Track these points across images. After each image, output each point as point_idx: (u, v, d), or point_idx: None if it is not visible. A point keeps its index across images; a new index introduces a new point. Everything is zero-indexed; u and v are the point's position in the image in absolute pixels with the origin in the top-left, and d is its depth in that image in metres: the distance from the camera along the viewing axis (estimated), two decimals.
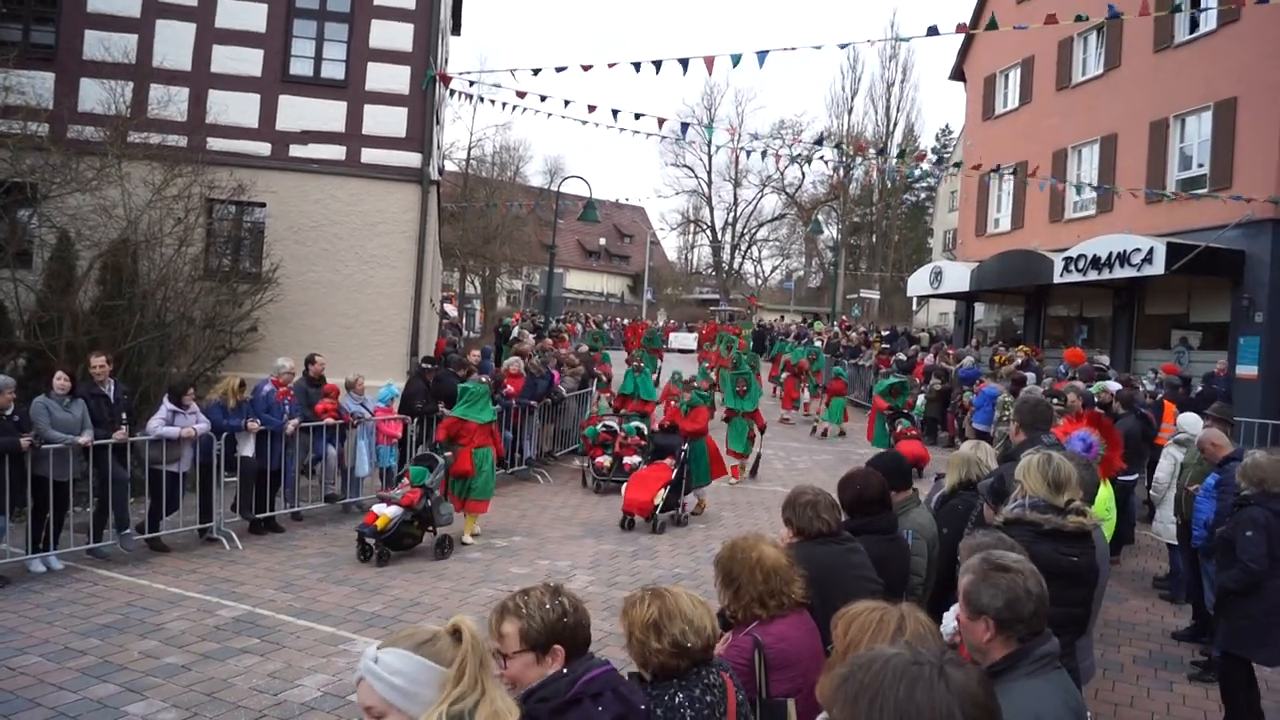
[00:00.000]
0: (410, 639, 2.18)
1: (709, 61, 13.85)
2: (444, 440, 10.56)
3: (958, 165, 24.66)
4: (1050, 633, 2.83)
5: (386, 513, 9.49)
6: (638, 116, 15.89)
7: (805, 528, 4.11)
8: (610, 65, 14.61)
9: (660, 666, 2.91)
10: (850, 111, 59.62)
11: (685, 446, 11.98)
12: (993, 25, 15.53)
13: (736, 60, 13.66)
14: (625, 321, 44.14)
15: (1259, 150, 18.26)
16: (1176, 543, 8.81)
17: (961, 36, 28.82)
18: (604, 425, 14.27)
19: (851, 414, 21.00)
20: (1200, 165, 19.93)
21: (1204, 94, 19.61)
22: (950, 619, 3.56)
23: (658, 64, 14.18)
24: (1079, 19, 13.11)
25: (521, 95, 15.76)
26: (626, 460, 13.44)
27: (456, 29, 24.86)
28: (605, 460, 13.68)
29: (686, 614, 2.91)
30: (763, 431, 15.42)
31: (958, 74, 29.90)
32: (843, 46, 13.55)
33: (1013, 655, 2.73)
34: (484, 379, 11.67)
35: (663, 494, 11.30)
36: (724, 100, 67.73)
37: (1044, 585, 2.81)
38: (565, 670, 2.67)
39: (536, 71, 15.03)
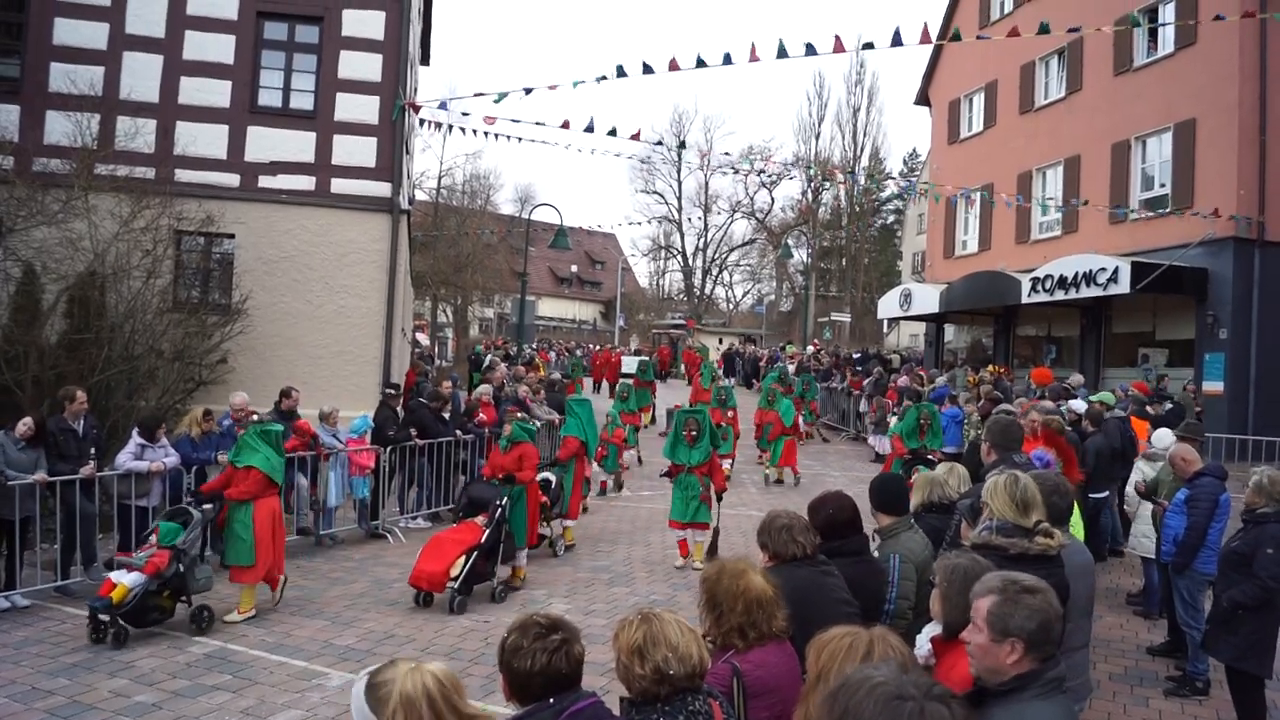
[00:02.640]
0: (369, 677, 2.22)
1: (673, 65, 13.92)
2: (218, 489, 8.78)
3: (926, 190, 24.87)
4: (1059, 657, 2.83)
5: (124, 581, 7.64)
6: (612, 133, 15.87)
7: (780, 551, 4.11)
8: (576, 84, 14.66)
9: (642, 692, 2.88)
10: (818, 137, 60.24)
11: (504, 501, 9.45)
12: (956, 37, 15.76)
13: (700, 63, 13.70)
14: (595, 347, 43.57)
15: (1218, 170, 18.63)
16: (1153, 557, 8.87)
17: (927, 62, 29.30)
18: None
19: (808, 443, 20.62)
20: (1162, 185, 20.30)
21: (1164, 115, 20.00)
22: (924, 641, 3.57)
23: (621, 69, 14.18)
24: (1042, 29, 13.29)
25: (491, 121, 15.78)
26: None
27: (425, 59, 24.93)
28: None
29: (672, 641, 2.88)
30: (720, 497, 11.13)
31: (923, 99, 30.32)
32: (809, 54, 13.58)
33: (1023, 676, 2.72)
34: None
35: (463, 562, 8.84)
36: (693, 127, 68.07)
37: (1060, 605, 2.82)
38: (552, 700, 2.66)
39: (502, 97, 14.98)
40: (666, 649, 2.86)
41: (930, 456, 13.04)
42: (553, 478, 11.63)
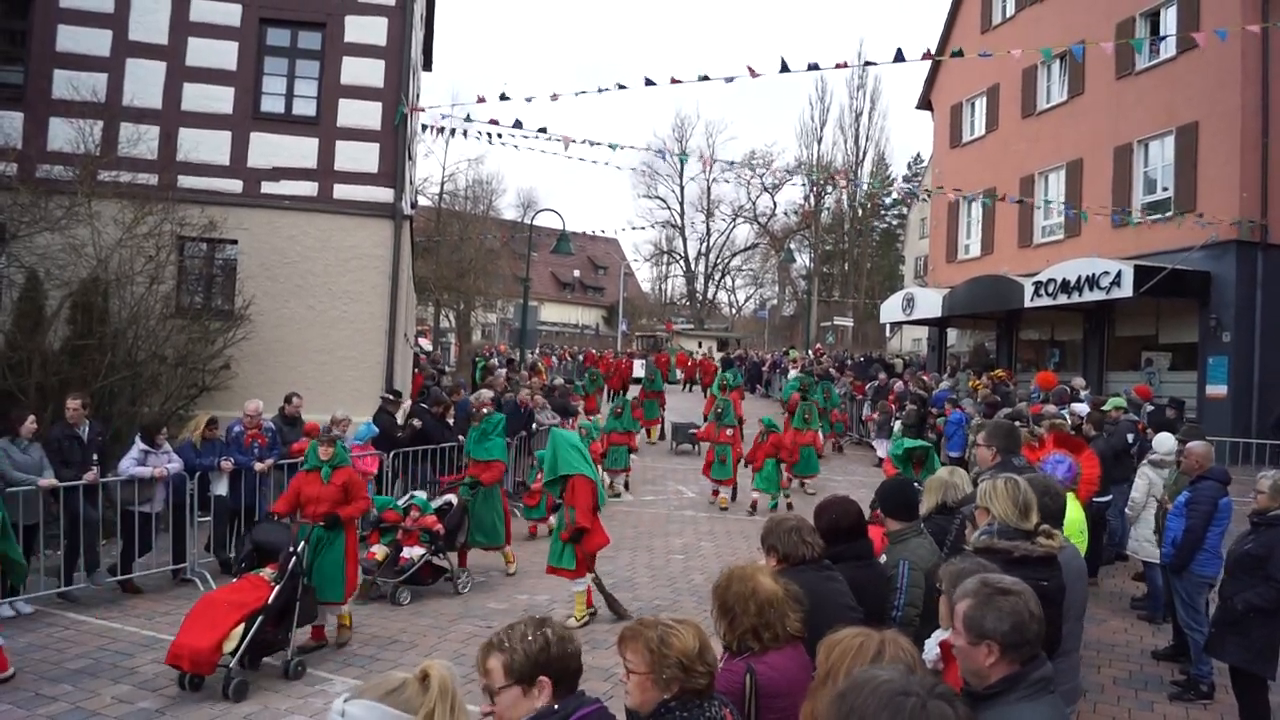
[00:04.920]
0: (377, 689, 2.16)
1: (674, 82, 13.94)
2: None
3: (929, 192, 24.89)
4: (1045, 657, 2.84)
5: None
6: (613, 147, 15.92)
7: (791, 553, 4.10)
8: (578, 94, 14.73)
9: (692, 690, 2.93)
10: (820, 141, 60.26)
11: (299, 548, 7.44)
12: (958, 53, 15.77)
13: (703, 78, 13.72)
14: (597, 352, 42.89)
15: (1221, 173, 18.63)
16: (1156, 561, 8.85)
17: (928, 67, 29.29)
18: (411, 499, 10.43)
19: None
20: (1164, 189, 20.30)
21: (1166, 119, 20.00)
22: (933, 645, 3.56)
23: (620, 85, 14.27)
24: (1045, 57, 13.31)
25: (494, 123, 15.77)
26: (405, 552, 9.66)
27: (428, 65, 24.97)
28: (378, 551, 9.65)
29: (705, 639, 3.01)
30: (579, 536, 8.67)
31: (925, 103, 30.34)
32: (811, 69, 13.61)
33: (1009, 678, 2.73)
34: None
35: (242, 632, 6.74)
36: (695, 132, 68.21)
37: (1040, 606, 2.83)
38: (556, 707, 2.66)
39: (504, 98, 15.01)
40: (711, 648, 3.00)
41: (917, 484, 12.22)
42: (455, 499, 10.34)
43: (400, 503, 10.27)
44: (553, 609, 9.19)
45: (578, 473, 8.84)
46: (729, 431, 15.19)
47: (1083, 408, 13.37)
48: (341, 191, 15.41)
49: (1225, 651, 6.24)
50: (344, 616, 8.14)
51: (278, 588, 7.06)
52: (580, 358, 38.82)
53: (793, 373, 28.72)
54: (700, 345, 46.48)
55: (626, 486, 16.14)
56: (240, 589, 7.13)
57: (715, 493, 15.28)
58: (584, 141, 15.67)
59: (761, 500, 14.56)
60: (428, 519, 9.89)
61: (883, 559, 4.94)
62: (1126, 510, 9.46)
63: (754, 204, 63.69)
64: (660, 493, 16.29)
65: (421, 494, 10.57)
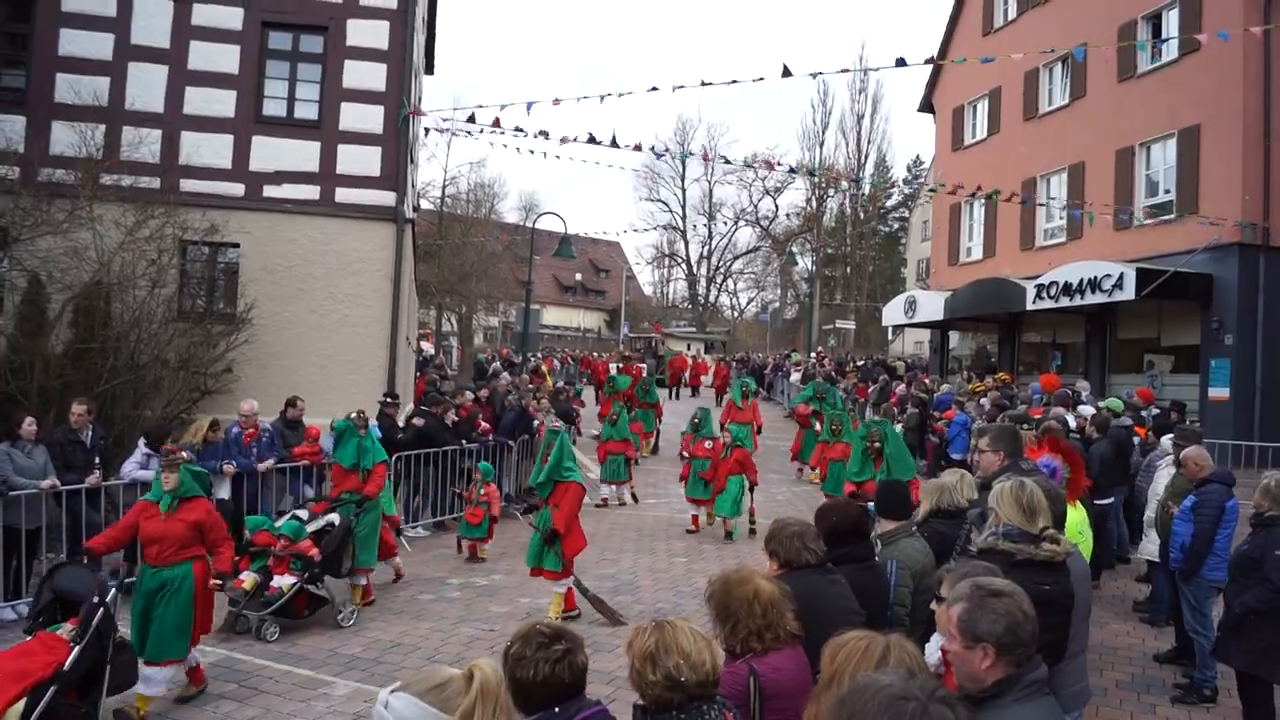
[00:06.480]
0: (421, 684, 2.16)
1: (676, 89, 13.98)
2: None
3: (932, 190, 24.88)
4: (1039, 659, 2.85)
5: None
6: (615, 144, 15.91)
7: (793, 559, 4.12)
8: (580, 99, 14.76)
9: (655, 699, 2.88)
10: (822, 144, 60.20)
11: (108, 596, 5.87)
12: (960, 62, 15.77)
13: (705, 83, 13.77)
14: (595, 355, 42.47)
15: (1223, 175, 18.63)
16: (1158, 561, 8.80)
17: (929, 69, 29.29)
18: (291, 517, 9.20)
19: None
20: (1167, 191, 20.29)
21: (1168, 122, 19.99)
22: (934, 649, 3.56)
23: (623, 93, 14.33)
24: (1051, 53, 13.32)
25: (496, 124, 15.77)
26: (275, 581, 8.46)
27: (430, 69, 24.99)
28: (246, 579, 8.31)
29: (684, 648, 2.88)
30: (554, 538, 8.95)
31: (927, 106, 30.34)
32: (813, 76, 13.66)
33: (1004, 681, 2.73)
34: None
35: (24, 708, 5.23)
36: (697, 134, 67.89)
37: (1033, 607, 2.84)
38: (558, 709, 2.66)
39: (504, 106, 15.08)
40: (678, 656, 2.86)
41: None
42: (336, 519, 9.17)
43: (278, 524, 9.02)
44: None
45: (574, 480, 9.17)
46: (708, 444, 13.52)
47: (1088, 409, 13.35)
48: (343, 195, 15.40)
49: (1230, 656, 6.23)
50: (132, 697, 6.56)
51: (77, 649, 5.56)
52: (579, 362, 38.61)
53: (794, 376, 28.68)
54: (689, 348, 46.19)
55: (634, 499, 15.52)
56: (28, 651, 5.60)
57: (695, 519, 13.61)
58: (587, 140, 15.64)
59: (726, 524, 13.16)
60: (301, 544, 8.70)
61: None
62: (1149, 512, 9.41)
63: (756, 207, 63.72)
64: (663, 496, 16.26)
65: (302, 513, 9.32)
